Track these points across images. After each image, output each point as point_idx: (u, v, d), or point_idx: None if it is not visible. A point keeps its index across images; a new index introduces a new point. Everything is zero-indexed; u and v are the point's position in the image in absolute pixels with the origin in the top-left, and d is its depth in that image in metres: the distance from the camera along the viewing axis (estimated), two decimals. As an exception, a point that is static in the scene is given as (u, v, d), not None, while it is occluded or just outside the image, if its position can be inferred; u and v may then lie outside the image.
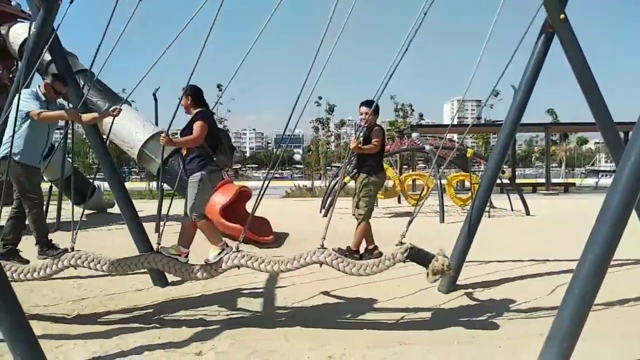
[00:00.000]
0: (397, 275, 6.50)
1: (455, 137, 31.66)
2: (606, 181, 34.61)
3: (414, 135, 20.74)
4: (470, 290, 6.18)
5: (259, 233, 9.51)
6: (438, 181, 14.78)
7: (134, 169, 54.75)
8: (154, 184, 25.26)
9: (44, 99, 5.21)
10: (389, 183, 17.37)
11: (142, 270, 6.01)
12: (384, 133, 5.67)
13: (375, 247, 5.44)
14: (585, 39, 5.47)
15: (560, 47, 5.39)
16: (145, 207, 13.48)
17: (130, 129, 10.92)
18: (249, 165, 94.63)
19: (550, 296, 5.76)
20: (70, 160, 14.43)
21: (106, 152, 6.56)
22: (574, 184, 33.20)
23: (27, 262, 5.13)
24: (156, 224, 11.47)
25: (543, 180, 30.94)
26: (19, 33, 13.01)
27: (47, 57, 8.34)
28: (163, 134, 4.85)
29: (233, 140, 5.70)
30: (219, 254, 4.82)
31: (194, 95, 4.97)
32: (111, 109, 5.23)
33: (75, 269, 4.99)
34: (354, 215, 5.61)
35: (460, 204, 15.69)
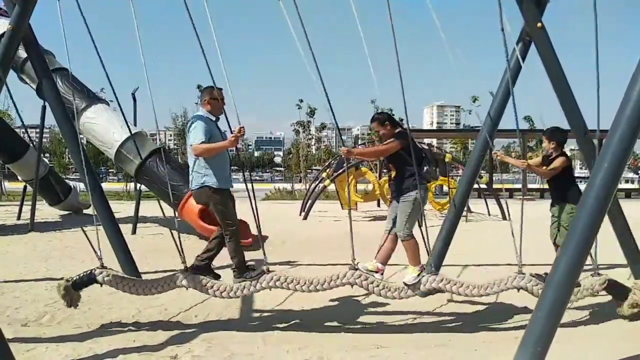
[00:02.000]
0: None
1: (434, 142, 31.97)
2: (580, 187, 35.25)
3: (394, 139, 20.86)
4: (447, 294, 6.22)
5: (238, 235, 9.43)
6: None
7: (111, 170, 54.05)
8: (131, 185, 24.94)
9: (213, 118, 4.98)
10: (369, 187, 17.47)
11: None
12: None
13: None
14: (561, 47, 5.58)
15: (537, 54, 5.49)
16: (121, 209, 13.29)
17: (107, 129, 10.75)
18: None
19: (524, 300, 5.83)
20: (45, 160, 14.17)
21: (81, 151, 6.44)
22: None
23: (219, 277, 5.04)
24: (133, 225, 11.34)
25: (520, 186, 31.40)
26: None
27: (22, 54, 8.20)
28: (344, 147, 5.03)
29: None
30: (418, 275, 4.82)
31: (391, 121, 5.18)
32: (236, 130, 4.78)
33: (270, 290, 4.91)
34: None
35: (438, 208, 15.84)
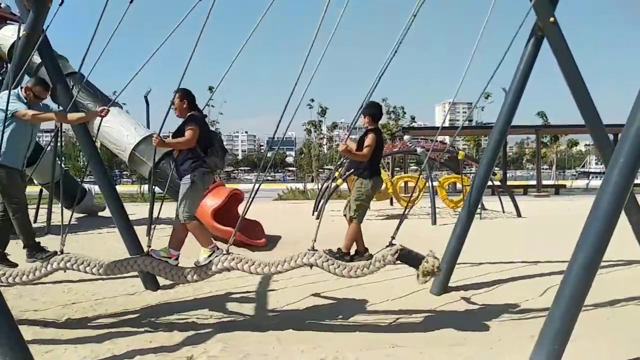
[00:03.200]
0: (390, 277, 6.52)
1: (447, 139, 31.80)
2: (597, 183, 34.86)
3: (406, 137, 20.81)
4: (462, 292, 6.20)
5: (251, 236, 9.48)
6: (430, 183, 14.84)
7: (125, 172, 54.51)
8: (145, 187, 25.13)
9: (25, 101, 5.16)
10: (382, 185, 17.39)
11: (133, 274, 5.98)
12: (380, 137, 5.54)
13: (366, 250, 5.44)
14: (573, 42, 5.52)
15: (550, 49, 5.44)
16: (136, 211, 13.40)
17: (121, 132, 10.85)
18: (241, 168, 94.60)
19: (541, 298, 5.79)
20: (60, 163, 14.33)
21: (96, 154, 6.52)
22: (564, 186, 33.43)
23: (16, 265, 5.08)
24: (147, 227, 11.43)
25: (534, 182, 31.12)
26: (7, 35, 12.91)
27: (36, 59, 8.30)
28: (155, 135, 4.85)
29: (225, 142, 5.69)
30: (209, 256, 4.79)
31: (189, 99, 4.99)
32: (99, 109, 5.16)
33: (65, 271, 4.95)
34: (344, 215, 5.60)
35: (452, 206, 15.75)
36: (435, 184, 16.09)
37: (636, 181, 3.90)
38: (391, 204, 19.14)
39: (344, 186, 16.68)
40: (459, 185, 18.79)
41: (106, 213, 14.50)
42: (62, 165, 14.16)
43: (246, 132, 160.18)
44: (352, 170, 5.71)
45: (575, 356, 3.65)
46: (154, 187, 11.63)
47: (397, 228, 4.84)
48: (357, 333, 4.89)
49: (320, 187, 22.06)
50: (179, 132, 4.89)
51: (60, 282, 6.53)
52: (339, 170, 19.22)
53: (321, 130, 39.23)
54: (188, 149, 4.85)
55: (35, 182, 14.10)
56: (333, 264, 4.68)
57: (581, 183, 41.06)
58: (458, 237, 6.07)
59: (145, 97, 17.45)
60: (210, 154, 4.94)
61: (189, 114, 4.95)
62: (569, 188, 33.60)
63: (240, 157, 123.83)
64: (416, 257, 4.69)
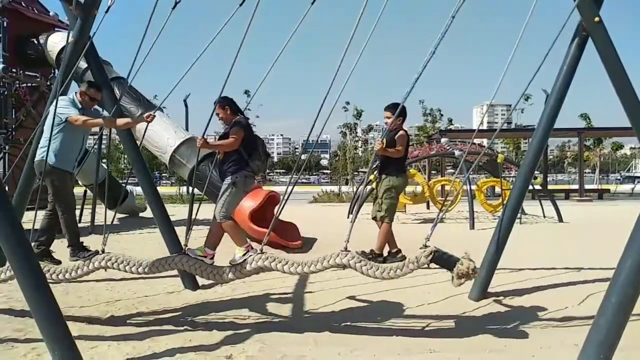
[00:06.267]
0: (427, 282, 6.45)
1: (485, 142, 31.23)
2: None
3: (443, 140, 20.57)
4: (501, 297, 6.08)
5: (287, 238, 9.55)
6: (468, 187, 14.61)
7: (165, 174, 55.69)
8: (184, 189, 25.64)
9: (80, 106, 5.39)
10: (418, 189, 17.25)
11: (174, 273, 6.13)
12: (408, 137, 5.76)
13: (399, 251, 5.44)
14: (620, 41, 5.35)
15: (594, 50, 5.28)
16: (176, 212, 13.69)
17: (162, 135, 11.14)
18: (276, 170, 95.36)
19: (583, 305, 5.63)
20: (104, 165, 14.78)
21: (139, 156, 6.71)
22: (608, 190, 32.35)
23: (59, 262, 5.31)
24: (186, 227, 11.66)
25: (576, 187, 30.20)
26: (56, 42, 13.46)
27: (82, 65, 8.60)
28: (199, 137, 5.02)
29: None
30: (244, 255, 4.88)
31: (231, 105, 5.15)
32: (145, 114, 5.36)
33: (106, 270, 5.12)
34: (374, 218, 5.63)
35: (490, 210, 15.45)
36: (474, 187, 15.82)
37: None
38: (428, 207, 18.94)
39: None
40: (497, 189, 18.42)
41: (147, 214, 14.90)
42: (106, 167, 14.60)
43: (281, 135, 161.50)
44: (379, 170, 5.74)
45: (621, 367, 3.53)
46: (193, 188, 11.87)
47: (432, 230, 4.78)
48: (394, 337, 4.86)
49: (355, 189, 22.01)
50: (225, 136, 5.05)
51: (104, 280, 6.74)
52: (374, 173, 19.17)
53: (356, 132, 39.09)
54: (233, 151, 4.99)
55: (80, 183, 14.58)
56: (365, 265, 4.66)
57: (626, 187, 39.62)
58: (497, 242, 5.95)
59: (185, 101, 17.83)
60: (253, 157, 5.05)
61: (234, 119, 5.10)
62: (613, 192, 32.47)
63: (275, 159, 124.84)
64: (450, 259, 4.63)
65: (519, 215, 6.55)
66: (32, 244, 5.24)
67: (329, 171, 72.16)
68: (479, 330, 4.99)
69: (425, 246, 4.67)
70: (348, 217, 15.65)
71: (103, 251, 5.05)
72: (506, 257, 6.10)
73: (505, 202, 6.14)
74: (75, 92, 5.55)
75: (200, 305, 5.90)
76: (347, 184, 33.41)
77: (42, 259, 5.17)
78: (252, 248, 4.94)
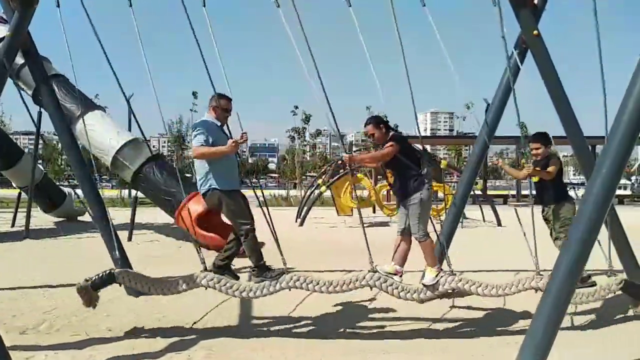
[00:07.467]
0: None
1: (428, 148, 32.08)
2: (574, 193, 35.45)
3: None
4: (445, 300, 6.22)
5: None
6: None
7: (105, 177, 53.74)
8: (125, 192, 24.85)
9: (218, 124, 5.12)
10: (364, 193, 17.50)
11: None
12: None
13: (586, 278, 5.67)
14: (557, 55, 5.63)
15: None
16: (116, 215, 13.22)
17: (104, 136, 10.73)
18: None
19: (528, 304, 5.85)
20: (40, 166, 14.10)
21: (80, 158, 6.44)
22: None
23: (238, 278, 5.12)
24: (129, 232, 11.29)
25: (514, 192, 31.54)
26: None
27: (18, 60, 8.18)
28: (345, 154, 5.26)
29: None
30: (436, 276, 4.83)
31: (384, 123, 5.21)
32: (238, 137, 4.97)
33: (290, 290, 4.87)
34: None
35: (434, 215, 15.83)
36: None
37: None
38: (374, 211, 19.24)
39: (327, 193, 16.72)
40: (440, 194, 18.95)
41: (85, 217, 14.30)
42: (42, 169, 13.93)
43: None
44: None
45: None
46: (136, 192, 11.51)
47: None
48: (344, 340, 4.88)
49: (303, 194, 22.06)
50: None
51: (41, 287, 6.44)
52: (323, 177, 19.27)
53: (305, 137, 39.20)
54: (406, 170, 5.00)
55: (14, 185, 13.86)
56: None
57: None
58: (441, 245, 6.10)
59: (128, 100, 17.27)
60: (422, 167, 5.04)
61: (390, 134, 5.16)
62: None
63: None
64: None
65: (460, 219, 6.77)
66: (217, 257, 5.20)
67: (276, 175, 71.96)
68: (428, 331, 5.11)
69: (614, 274, 4.81)
70: (296, 222, 15.65)
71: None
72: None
73: (447, 206, 6.34)
74: (207, 109, 5.20)
75: (143, 312, 5.71)
76: (295, 188, 33.43)
77: (223, 272, 5.04)
78: (442, 270, 4.95)
